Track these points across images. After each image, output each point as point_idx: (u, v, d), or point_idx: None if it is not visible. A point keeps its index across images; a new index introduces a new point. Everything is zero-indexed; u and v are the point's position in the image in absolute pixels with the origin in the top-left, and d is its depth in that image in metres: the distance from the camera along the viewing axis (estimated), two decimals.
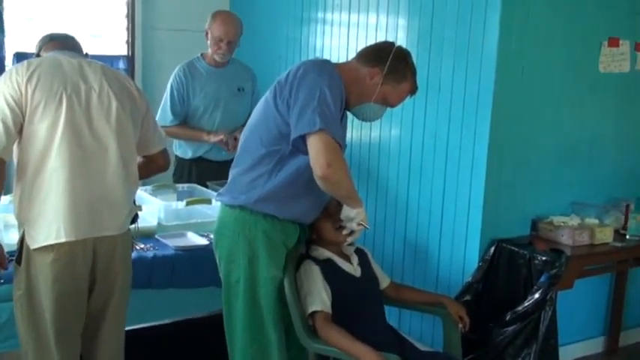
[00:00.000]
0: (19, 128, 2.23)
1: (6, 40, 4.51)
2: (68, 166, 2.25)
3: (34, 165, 2.25)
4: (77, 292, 2.35)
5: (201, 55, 3.90)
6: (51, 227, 2.25)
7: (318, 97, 2.24)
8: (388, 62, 2.41)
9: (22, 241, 2.30)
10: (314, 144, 2.22)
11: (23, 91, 2.22)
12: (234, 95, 3.91)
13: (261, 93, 4.03)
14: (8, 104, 2.21)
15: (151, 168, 2.71)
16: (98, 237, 2.32)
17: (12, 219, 2.49)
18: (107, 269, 2.39)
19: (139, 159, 2.58)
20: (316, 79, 2.29)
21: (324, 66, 2.40)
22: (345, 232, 2.43)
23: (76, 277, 2.32)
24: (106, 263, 2.38)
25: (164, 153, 2.72)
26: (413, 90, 2.52)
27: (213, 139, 3.77)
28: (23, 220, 2.30)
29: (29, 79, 2.24)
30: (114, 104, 2.36)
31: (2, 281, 2.50)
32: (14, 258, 2.36)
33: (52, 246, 2.25)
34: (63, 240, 2.25)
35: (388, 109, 2.54)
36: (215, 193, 3.48)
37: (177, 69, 3.89)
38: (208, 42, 3.78)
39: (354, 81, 2.43)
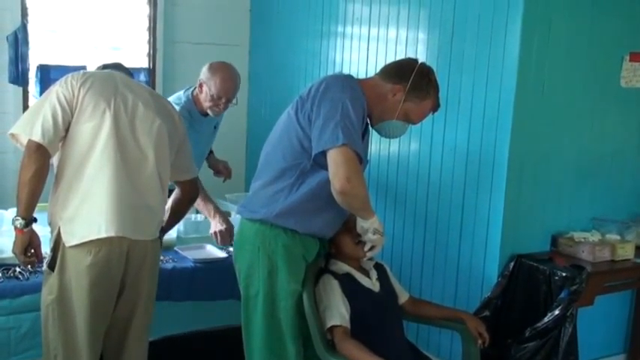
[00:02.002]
0: (67, 126, 2.34)
1: (30, 52, 4.57)
2: (112, 168, 2.35)
3: (76, 164, 2.34)
4: (110, 296, 2.41)
5: (192, 95, 3.50)
6: (92, 224, 2.32)
7: (341, 111, 2.24)
8: (411, 79, 2.41)
9: (55, 245, 2.35)
10: (335, 158, 2.22)
11: (75, 93, 2.35)
12: (211, 135, 3.75)
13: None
14: (60, 102, 2.33)
15: (186, 199, 2.79)
16: (133, 240, 2.39)
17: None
18: (137, 275, 2.45)
19: (172, 195, 2.72)
20: (339, 93, 2.29)
21: (346, 81, 2.39)
22: (366, 247, 2.42)
23: (111, 282, 2.38)
24: (137, 269, 2.44)
25: (195, 182, 2.80)
26: (435, 107, 2.51)
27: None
28: (58, 219, 2.35)
29: (83, 83, 2.37)
30: (157, 121, 2.47)
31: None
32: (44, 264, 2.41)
33: (90, 247, 2.31)
34: (104, 235, 2.31)
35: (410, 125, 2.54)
36: (234, 206, 3.50)
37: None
38: (202, 94, 3.41)
39: (377, 97, 2.43)
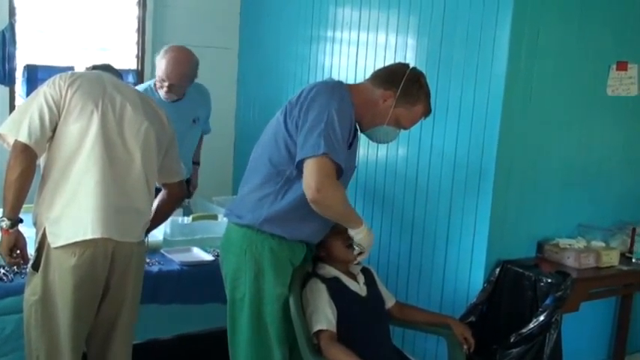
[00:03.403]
0: (54, 127, 2.34)
1: (17, 52, 4.54)
2: (99, 169, 2.34)
3: (62, 164, 2.34)
4: (94, 298, 2.40)
5: (154, 84, 3.57)
6: (78, 225, 2.31)
7: (326, 120, 2.24)
8: (401, 85, 2.41)
9: (39, 246, 2.34)
10: (309, 167, 2.22)
11: (63, 94, 2.34)
12: (189, 128, 3.71)
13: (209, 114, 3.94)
14: (47, 103, 2.32)
15: (171, 201, 2.78)
16: (119, 242, 2.38)
17: None
18: (122, 277, 2.44)
19: (159, 196, 2.71)
20: (326, 102, 2.29)
21: (335, 89, 2.38)
22: (355, 251, 2.43)
23: (95, 283, 2.37)
24: (122, 271, 2.43)
25: (182, 185, 2.80)
26: (426, 112, 2.51)
27: None
28: (44, 219, 2.34)
29: (71, 84, 2.36)
30: (145, 123, 2.47)
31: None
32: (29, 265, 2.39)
33: (74, 248, 2.30)
34: (90, 237, 2.30)
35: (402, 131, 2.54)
36: (221, 209, 3.50)
37: None
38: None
39: (367, 103, 2.43)
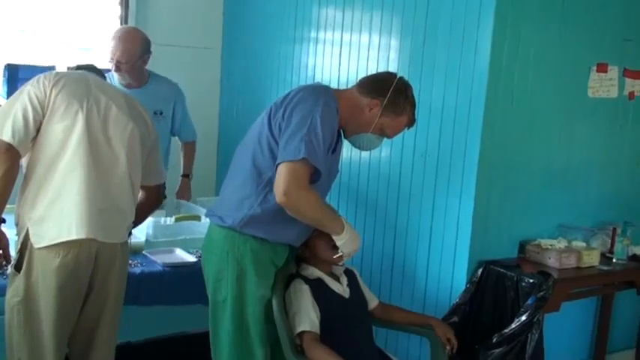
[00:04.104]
0: (38, 126, 2.32)
1: None
2: (84, 169, 2.32)
3: (46, 164, 2.31)
4: (77, 299, 2.38)
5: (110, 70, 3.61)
6: (62, 225, 2.29)
7: (309, 125, 2.24)
8: (389, 94, 2.42)
9: (22, 246, 2.31)
10: (281, 171, 2.23)
11: (47, 93, 2.33)
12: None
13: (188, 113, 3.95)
14: (32, 102, 2.30)
15: (149, 203, 2.76)
16: (102, 243, 2.36)
17: None
18: (105, 278, 2.42)
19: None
20: (311, 106, 2.29)
21: (321, 94, 2.38)
22: (337, 255, 2.43)
23: (78, 284, 2.35)
24: (105, 272, 2.42)
25: (161, 188, 2.79)
26: (411, 123, 2.54)
27: None
28: (27, 220, 2.32)
29: (55, 84, 2.35)
30: (130, 124, 2.46)
31: None
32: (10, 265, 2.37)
33: (58, 249, 2.27)
34: (74, 237, 2.28)
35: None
36: (204, 209, 3.49)
37: None
38: None
39: (353, 110, 2.44)
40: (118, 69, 3.53)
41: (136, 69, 3.60)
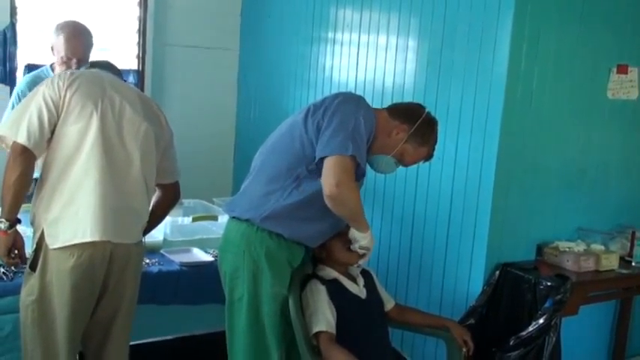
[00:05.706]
0: (53, 128, 2.32)
1: (18, 52, 4.54)
2: (98, 170, 2.32)
3: (61, 166, 2.32)
4: (91, 299, 2.39)
5: (51, 67, 3.38)
6: (77, 227, 2.30)
7: (354, 125, 2.33)
8: (417, 123, 2.50)
9: (37, 246, 2.33)
10: (331, 163, 2.27)
11: (62, 94, 2.32)
12: None
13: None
14: (46, 104, 2.30)
15: (166, 202, 2.74)
16: (117, 243, 2.37)
17: None
18: (119, 278, 2.43)
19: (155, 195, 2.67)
20: (354, 109, 2.39)
21: (362, 100, 2.50)
22: (360, 254, 2.45)
23: (93, 284, 2.37)
24: (120, 272, 2.42)
25: (177, 186, 2.77)
26: (429, 156, 2.61)
27: None
28: (42, 220, 2.33)
29: (70, 85, 2.34)
30: (144, 124, 2.46)
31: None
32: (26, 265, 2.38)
33: (73, 250, 2.28)
34: (88, 239, 2.29)
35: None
36: (220, 209, 3.50)
37: (22, 84, 3.39)
38: (56, 59, 3.27)
39: (382, 129, 2.49)
40: (78, 68, 3.20)
41: (84, 64, 3.29)
